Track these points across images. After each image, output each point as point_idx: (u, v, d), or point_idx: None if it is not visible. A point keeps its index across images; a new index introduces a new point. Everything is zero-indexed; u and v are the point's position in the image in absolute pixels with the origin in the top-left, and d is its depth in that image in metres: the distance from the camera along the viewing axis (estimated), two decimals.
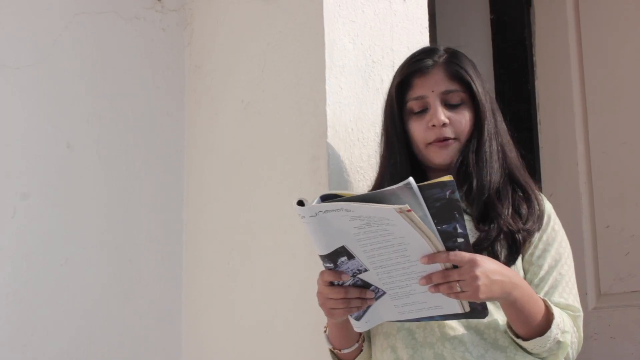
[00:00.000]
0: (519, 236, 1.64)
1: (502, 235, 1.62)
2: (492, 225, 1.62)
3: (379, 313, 1.54)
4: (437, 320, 1.54)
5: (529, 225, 1.66)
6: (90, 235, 2.44)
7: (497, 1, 3.60)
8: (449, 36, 3.59)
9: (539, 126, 3.44)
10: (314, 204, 1.37)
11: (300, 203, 1.38)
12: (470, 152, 1.69)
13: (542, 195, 1.76)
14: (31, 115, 2.41)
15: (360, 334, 1.70)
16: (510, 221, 1.63)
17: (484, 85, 1.76)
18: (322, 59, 2.10)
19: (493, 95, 1.81)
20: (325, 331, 1.72)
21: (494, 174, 1.68)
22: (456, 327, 1.61)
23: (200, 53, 2.64)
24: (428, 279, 1.43)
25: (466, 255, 1.42)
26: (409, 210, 1.33)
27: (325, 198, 1.39)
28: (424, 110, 1.72)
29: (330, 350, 1.73)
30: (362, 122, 2.09)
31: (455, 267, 1.42)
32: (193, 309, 2.52)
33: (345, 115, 2.09)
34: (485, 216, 1.64)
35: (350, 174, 2.05)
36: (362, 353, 1.72)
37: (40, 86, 2.43)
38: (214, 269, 2.44)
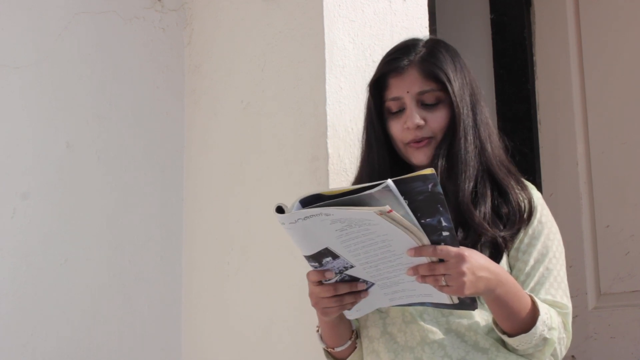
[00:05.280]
0: (499, 240, 1.60)
1: (482, 241, 1.59)
2: (469, 232, 1.59)
3: (369, 301, 1.54)
4: (428, 306, 1.53)
5: (508, 229, 1.62)
6: (90, 235, 2.44)
7: (497, 1, 3.60)
8: (449, 36, 3.58)
9: (539, 126, 3.44)
10: (293, 210, 1.35)
11: (280, 209, 1.36)
12: (440, 157, 1.65)
13: (530, 187, 1.71)
14: (31, 115, 2.41)
15: (353, 331, 1.70)
16: (487, 228, 1.59)
17: (464, 78, 1.70)
18: (322, 59, 2.11)
19: (476, 83, 1.73)
20: (317, 330, 1.72)
21: (467, 178, 1.63)
22: (436, 330, 1.60)
23: (199, 53, 2.64)
24: (415, 270, 1.42)
25: (452, 249, 1.40)
26: (389, 211, 1.32)
27: (305, 202, 1.37)
28: (401, 110, 1.69)
29: (324, 350, 1.73)
30: (362, 122, 2.08)
31: (442, 260, 1.41)
32: (192, 308, 2.52)
33: (345, 115, 2.09)
34: (462, 223, 1.60)
35: (350, 174, 2.05)
36: (356, 350, 1.72)
37: (40, 86, 2.43)
38: (214, 269, 2.44)
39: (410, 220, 1.35)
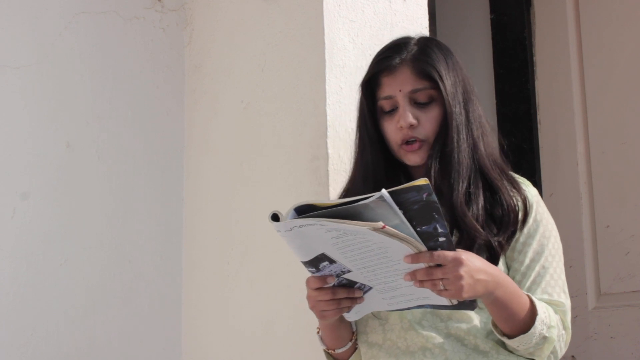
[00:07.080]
0: (494, 244, 1.59)
1: (476, 244, 1.58)
2: (463, 235, 1.58)
3: (368, 304, 1.54)
4: (427, 308, 1.53)
5: (502, 233, 1.60)
6: (90, 235, 2.44)
7: (497, 1, 3.60)
8: (449, 36, 3.59)
9: (539, 126, 3.44)
10: (288, 218, 1.36)
11: (275, 217, 1.36)
12: (434, 158, 1.63)
13: (525, 184, 1.69)
14: (31, 115, 2.41)
15: (353, 333, 1.70)
16: (480, 230, 1.58)
17: (457, 75, 1.68)
18: (322, 59, 2.11)
19: (469, 80, 1.71)
20: (318, 332, 1.72)
21: (460, 178, 1.62)
22: (437, 335, 1.60)
23: (199, 53, 2.64)
24: (412, 275, 1.42)
25: (449, 254, 1.40)
26: (383, 227, 1.32)
27: (299, 210, 1.37)
28: (394, 109, 1.67)
29: (325, 351, 1.73)
30: None
31: (439, 265, 1.41)
32: (193, 309, 2.52)
33: (345, 115, 2.09)
34: (457, 224, 1.59)
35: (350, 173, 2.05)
36: (357, 352, 1.72)
37: (40, 86, 2.43)
38: (214, 268, 2.44)
39: (406, 229, 1.35)
